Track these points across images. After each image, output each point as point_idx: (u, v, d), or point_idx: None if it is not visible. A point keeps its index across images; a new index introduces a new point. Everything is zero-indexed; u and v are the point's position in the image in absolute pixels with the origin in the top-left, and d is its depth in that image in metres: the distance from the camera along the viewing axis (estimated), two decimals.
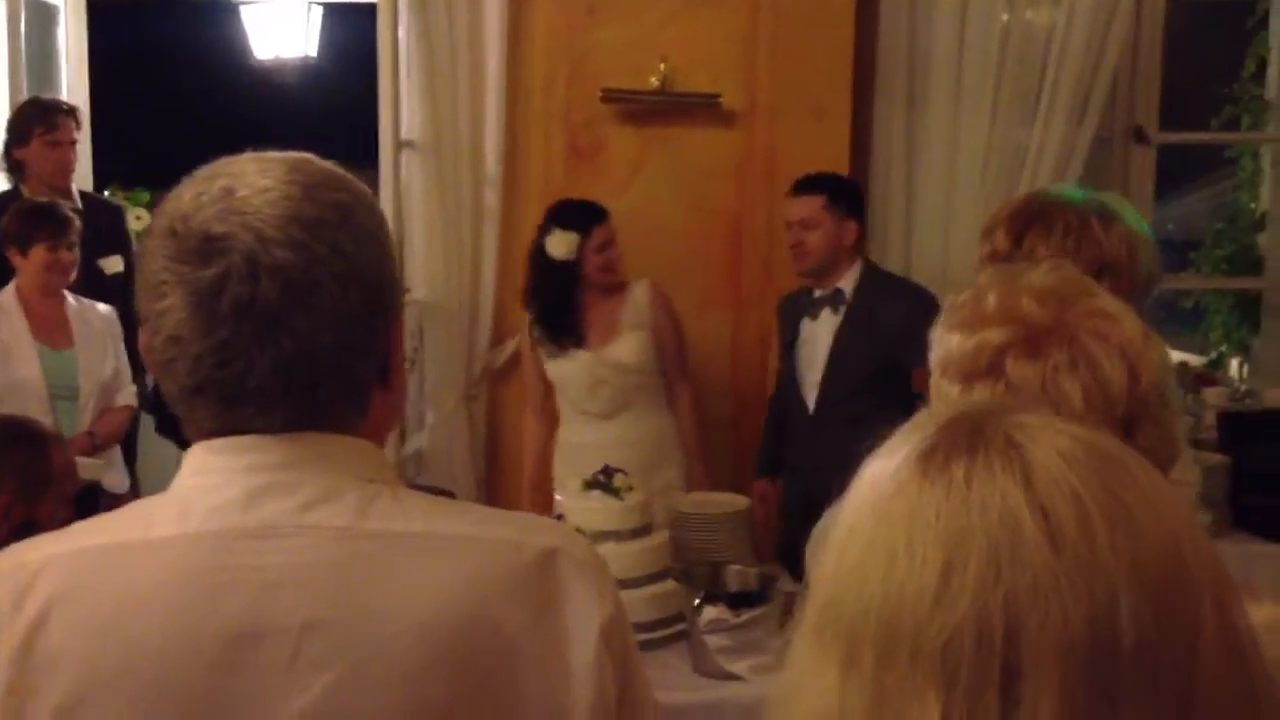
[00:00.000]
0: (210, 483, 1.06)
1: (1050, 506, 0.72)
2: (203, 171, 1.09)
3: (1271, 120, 5.00)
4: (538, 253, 3.71)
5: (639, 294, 3.76)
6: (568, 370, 3.76)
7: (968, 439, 0.77)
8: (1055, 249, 1.85)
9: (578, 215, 3.70)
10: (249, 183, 1.05)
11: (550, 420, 3.92)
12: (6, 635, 1.01)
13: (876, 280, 3.68)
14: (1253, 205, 5.55)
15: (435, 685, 1.01)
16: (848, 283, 3.64)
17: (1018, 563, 0.70)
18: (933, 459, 0.77)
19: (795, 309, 3.76)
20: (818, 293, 3.68)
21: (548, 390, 3.88)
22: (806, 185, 3.67)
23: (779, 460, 3.82)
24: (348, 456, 1.08)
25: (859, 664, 0.74)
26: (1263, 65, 5.23)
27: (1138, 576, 0.70)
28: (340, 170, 1.13)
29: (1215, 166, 6.33)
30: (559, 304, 3.72)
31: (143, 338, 1.08)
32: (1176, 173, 5.76)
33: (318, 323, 1.04)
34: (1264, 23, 5.13)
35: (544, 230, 3.71)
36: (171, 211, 1.06)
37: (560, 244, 3.66)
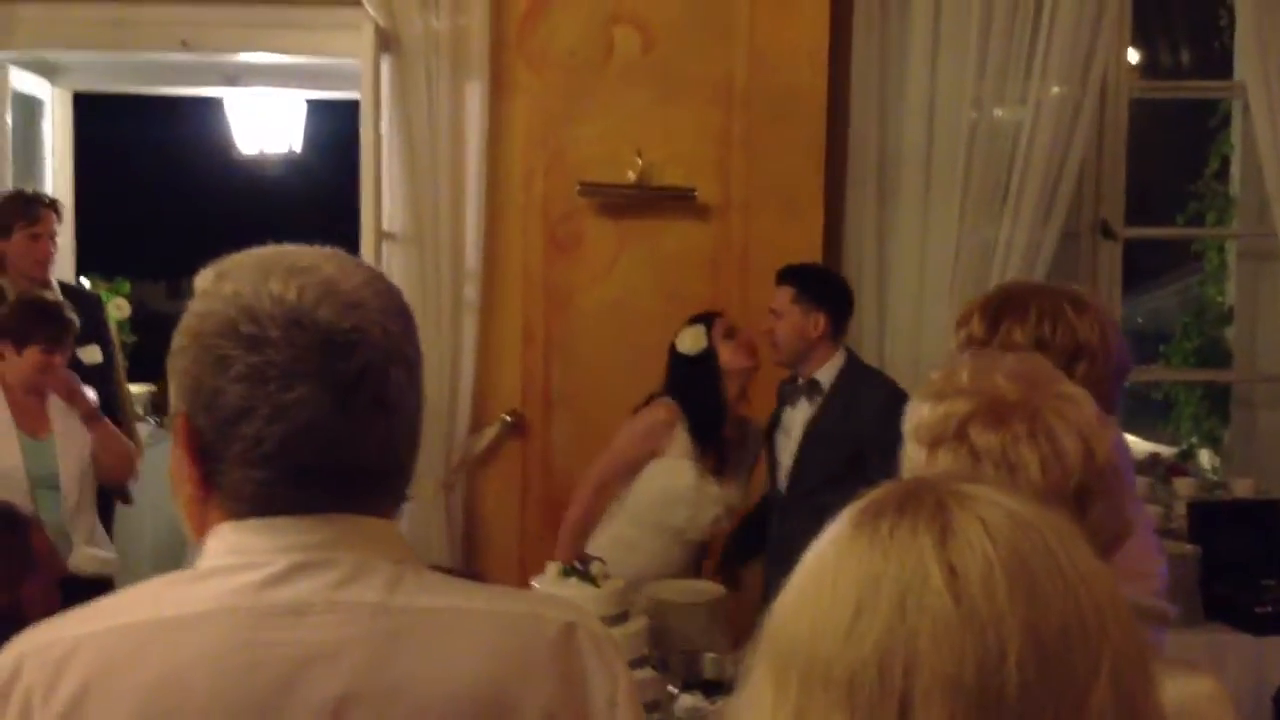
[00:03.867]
0: (244, 561, 1.07)
1: (958, 563, 0.80)
2: (270, 261, 1.09)
3: (1235, 216, 5.11)
4: (672, 352, 3.72)
5: (754, 430, 3.79)
6: (684, 487, 3.64)
7: (903, 501, 0.85)
8: (1030, 333, 1.87)
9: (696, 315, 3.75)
10: (342, 275, 1.09)
11: (602, 505, 3.75)
12: (40, 715, 1.02)
13: (855, 373, 3.71)
14: (1220, 299, 5.64)
15: None
16: (826, 374, 3.66)
17: (921, 609, 0.79)
18: (869, 515, 0.86)
19: (783, 395, 3.81)
20: (800, 381, 3.73)
21: (624, 476, 3.72)
22: (781, 276, 3.73)
23: (735, 556, 3.84)
24: (378, 538, 1.11)
25: (786, 689, 0.83)
26: (1226, 163, 5.35)
27: (1031, 634, 0.78)
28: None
29: (1182, 261, 6.43)
30: (708, 403, 3.66)
31: (246, 427, 1.06)
32: (1145, 267, 5.85)
33: (414, 410, 1.12)
34: (1226, 122, 5.27)
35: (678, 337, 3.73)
36: (275, 299, 1.06)
37: (688, 338, 3.69)
